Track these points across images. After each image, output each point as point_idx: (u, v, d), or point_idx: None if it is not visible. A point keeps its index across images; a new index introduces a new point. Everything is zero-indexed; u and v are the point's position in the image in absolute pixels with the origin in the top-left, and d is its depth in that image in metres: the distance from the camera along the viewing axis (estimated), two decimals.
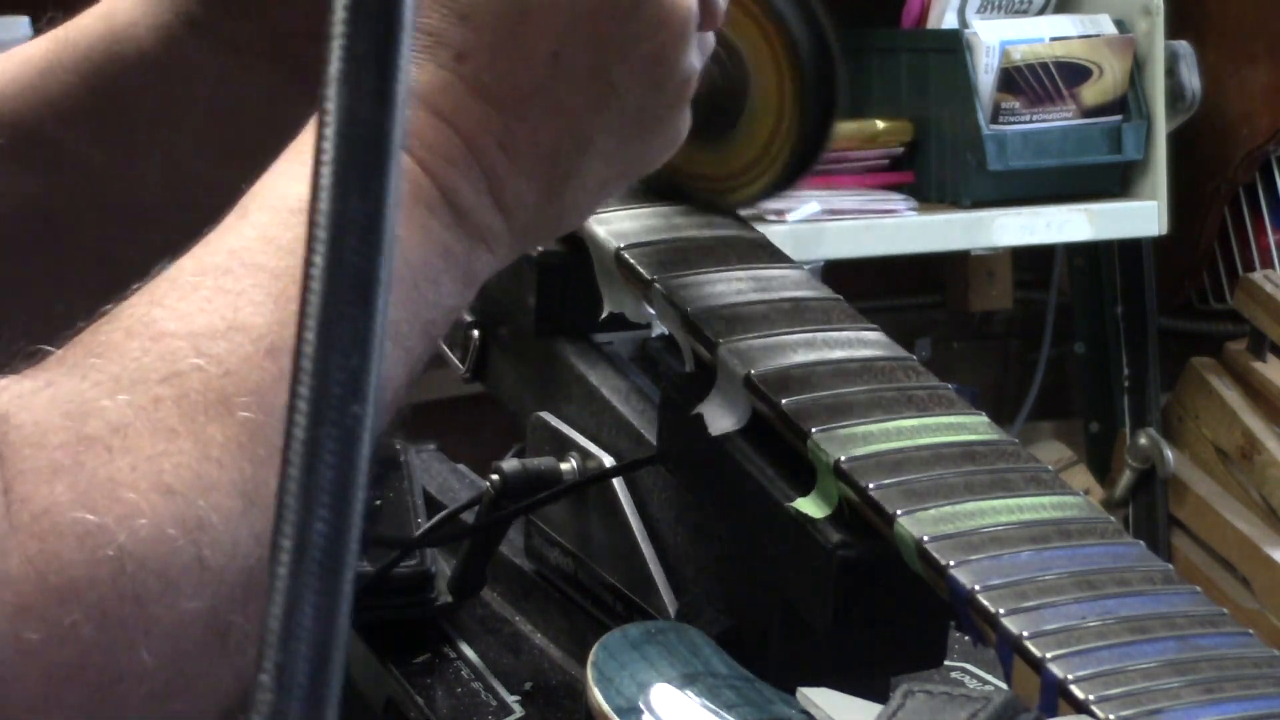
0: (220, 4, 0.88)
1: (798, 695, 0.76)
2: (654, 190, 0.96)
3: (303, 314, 0.47)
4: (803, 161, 0.92)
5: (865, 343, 0.86)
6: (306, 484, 0.47)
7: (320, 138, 0.47)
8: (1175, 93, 2.56)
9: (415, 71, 0.73)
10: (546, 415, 0.98)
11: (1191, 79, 2.57)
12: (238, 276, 0.68)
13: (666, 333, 0.92)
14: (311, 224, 0.47)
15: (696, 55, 0.79)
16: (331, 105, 0.47)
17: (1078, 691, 0.69)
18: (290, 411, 0.47)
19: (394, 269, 0.63)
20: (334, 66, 0.48)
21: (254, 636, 0.63)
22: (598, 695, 0.74)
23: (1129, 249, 2.74)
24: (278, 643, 0.47)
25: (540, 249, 0.96)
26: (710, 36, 0.81)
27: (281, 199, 0.70)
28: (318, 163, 0.47)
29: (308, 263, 0.47)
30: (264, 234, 0.69)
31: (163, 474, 0.63)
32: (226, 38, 0.88)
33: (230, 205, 0.72)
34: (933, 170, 2.52)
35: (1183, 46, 2.58)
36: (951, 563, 0.74)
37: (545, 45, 0.75)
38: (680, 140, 0.81)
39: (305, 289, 0.47)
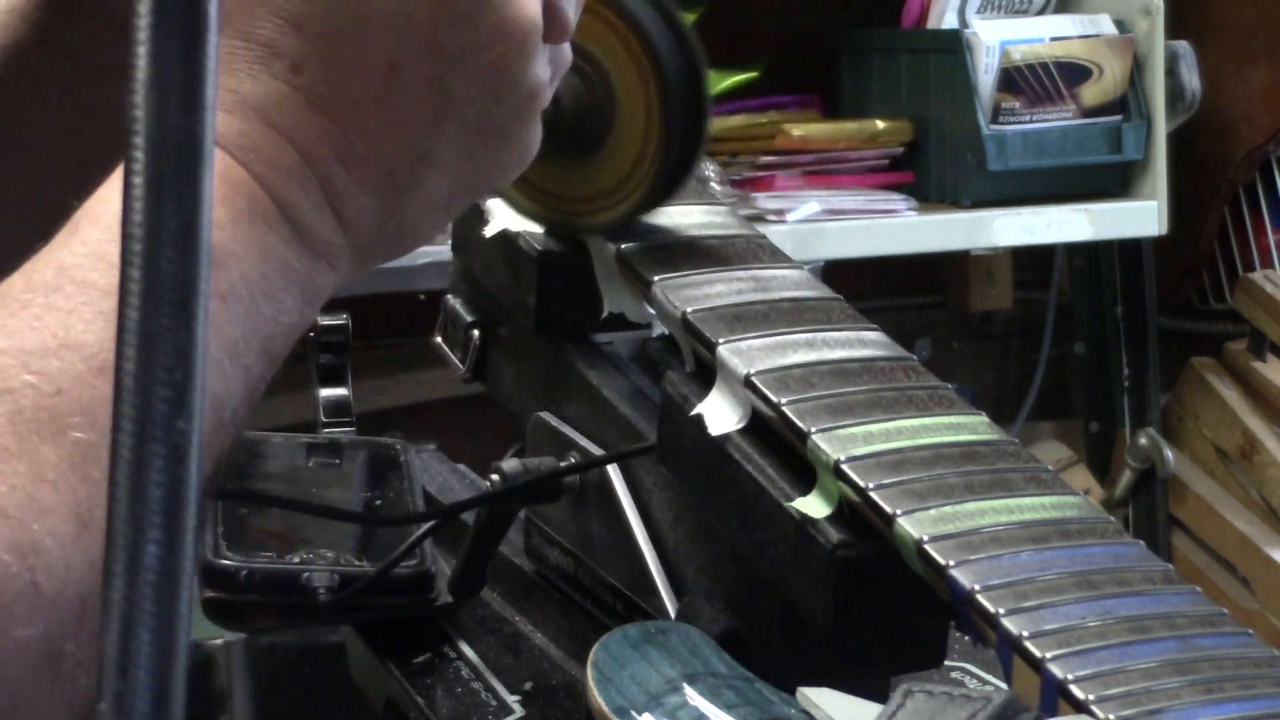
0: (71, 21, 0.87)
1: (798, 695, 0.76)
2: (517, 209, 0.95)
3: (122, 329, 0.46)
4: (669, 184, 0.91)
5: (865, 343, 0.86)
6: (135, 504, 0.45)
7: (130, 146, 0.46)
8: (1175, 93, 2.56)
9: (249, 83, 0.72)
10: (546, 415, 0.98)
11: (1191, 79, 2.57)
12: (68, 294, 0.66)
13: (666, 333, 0.92)
14: (125, 235, 0.46)
15: (544, 67, 0.77)
16: (139, 112, 0.46)
17: (1078, 691, 0.69)
18: (115, 431, 0.46)
19: (231, 286, 0.61)
20: (140, 72, 0.46)
21: (86, 664, 0.63)
22: (597, 695, 0.74)
23: (1129, 249, 2.75)
24: (115, 670, 0.45)
25: (539, 248, 0.96)
26: (566, 50, 0.80)
27: (113, 216, 0.68)
28: (129, 172, 0.46)
29: (124, 276, 0.46)
30: (94, 250, 0.68)
31: None
32: (78, 54, 0.87)
33: (58, 228, 0.70)
34: (933, 170, 2.52)
35: (1183, 46, 2.58)
36: (951, 563, 0.74)
37: (382, 55, 0.73)
38: (532, 154, 0.79)
39: (123, 303, 0.46)
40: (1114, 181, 2.56)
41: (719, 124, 2.50)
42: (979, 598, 0.73)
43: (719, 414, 0.85)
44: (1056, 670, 0.70)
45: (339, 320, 1.11)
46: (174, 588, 0.46)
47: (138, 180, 0.46)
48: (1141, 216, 2.54)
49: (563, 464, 0.95)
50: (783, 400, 0.82)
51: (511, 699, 0.95)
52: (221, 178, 0.69)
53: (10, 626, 0.60)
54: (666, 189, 0.92)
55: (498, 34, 0.74)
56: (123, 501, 0.46)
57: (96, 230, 0.68)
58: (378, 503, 1.06)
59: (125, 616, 0.46)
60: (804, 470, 0.81)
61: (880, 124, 2.53)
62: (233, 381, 0.69)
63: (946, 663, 0.89)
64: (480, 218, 0.99)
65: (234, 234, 0.70)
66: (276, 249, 0.72)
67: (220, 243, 0.68)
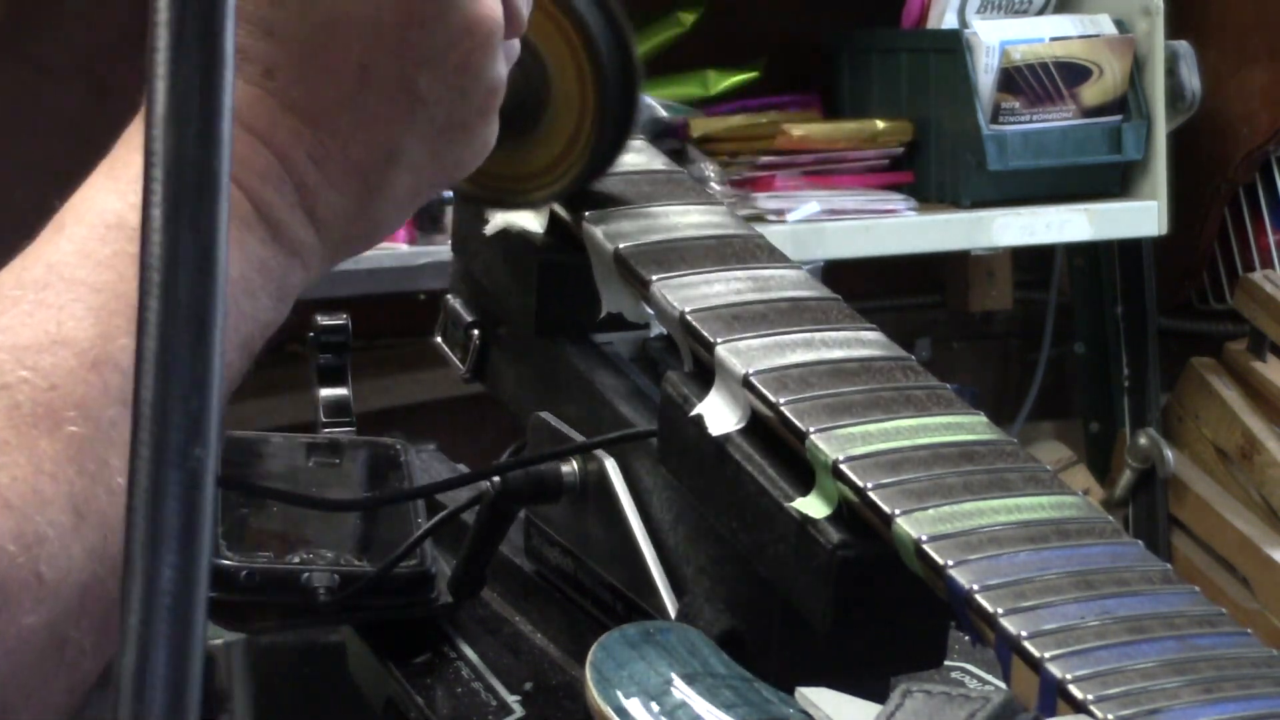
0: (25, 25, 0.87)
1: (797, 695, 0.76)
2: (452, 190, 0.96)
3: (140, 358, 0.47)
4: (601, 163, 0.93)
5: (864, 342, 0.86)
6: (152, 529, 0.47)
7: (149, 179, 0.47)
8: (1175, 93, 2.57)
9: None
10: (546, 415, 0.98)
11: (1191, 79, 2.57)
12: (58, 291, 0.68)
13: (666, 332, 0.92)
14: (144, 266, 0.47)
15: (503, 63, 0.79)
16: (159, 146, 0.48)
17: (1076, 691, 0.69)
18: (133, 457, 0.47)
19: None
20: (158, 106, 0.48)
21: (88, 650, 0.65)
22: (596, 695, 0.74)
23: (1129, 249, 2.75)
24: (132, 692, 0.46)
25: (539, 248, 0.96)
26: (516, 43, 0.81)
27: (98, 215, 0.70)
28: (147, 204, 0.47)
29: (142, 306, 0.47)
30: (81, 249, 0.69)
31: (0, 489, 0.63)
32: (33, 58, 0.87)
33: (40, 226, 0.72)
34: (932, 170, 2.52)
35: (1183, 46, 2.58)
36: (950, 563, 0.74)
37: (352, 58, 0.75)
38: (489, 148, 0.81)
39: (142, 333, 0.47)
40: (1114, 181, 2.56)
41: (719, 124, 2.50)
42: (978, 597, 0.73)
43: (718, 414, 0.85)
44: (1055, 670, 0.70)
45: (339, 320, 1.12)
46: (189, 612, 0.47)
47: (156, 212, 0.47)
48: (1141, 216, 2.55)
49: (565, 472, 0.95)
50: (781, 400, 0.82)
51: (511, 699, 0.95)
52: None
53: (17, 615, 0.62)
54: (600, 167, 0.93)
55: (464, 33, 0.76)
56: (140, 527, 0.47)
57: (82, 228, 0.70)
58: None
59: (141, 639, 0.47)
60: (804, 470, 0.81)
61: (880, 124, 2.53)
62: None
63: (946, 663, 0.89)
64: (480, 218, 0.99)
65: None
66: (254, 249, 0.74)
67: None
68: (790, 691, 0.76)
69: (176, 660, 0.47)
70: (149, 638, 0.47)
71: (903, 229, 2.46)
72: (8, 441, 0.64)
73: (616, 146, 0.93)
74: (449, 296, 1.05)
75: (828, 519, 0.79)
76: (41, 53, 0.87)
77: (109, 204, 0.71)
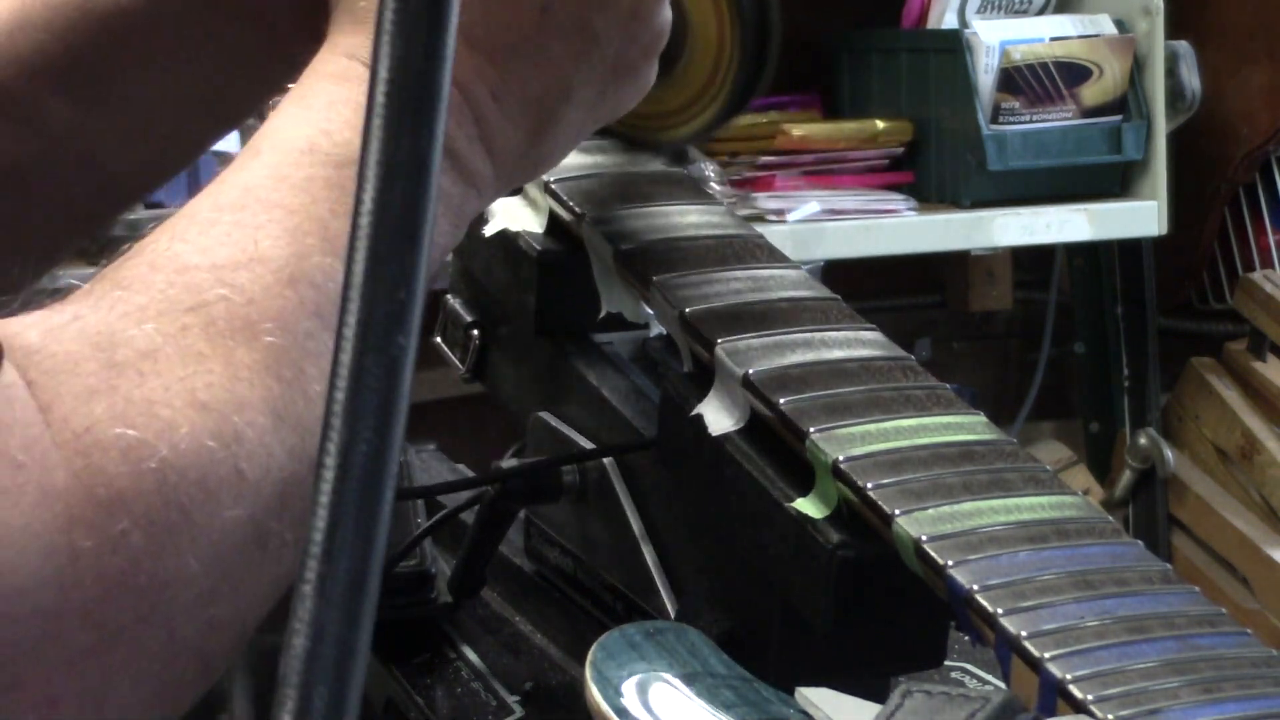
0: None
1: (797, 695, 0.76)
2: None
3: (352, 247, 0.50)
4: (740, 100, 0.95)
5: (863, 342, 0.86)
6: (351, 408, 0.50)
7: (374, 85, 0.51)
8: (1175, 93, 2.56)
9: None
10: (546, 415, 0.98)
11: (1191, 79, 2.57)
12: (254, 212, 0.72)
13: (666, 333, 0.92)
14: (363, 164, 0.51)
15: (669, 7, 0.84)
16: (385, 55, 0.51)
17: (1076, 691, 0.69)
18: (338, 339, 0.50)
19: None
20: (388, 19, 0.51)
21: (291, 544, 0.68)
22: (596, 695, 0.74)
23: (1129, 249, 2.75)
24: (320, 556, 0.49)
25: (539, 248, 0.96)
26: None
27: (290, 140, 0.74)
28: (370, 111, 0.51)
29: (358, 201, 0.51)
30: (276, 173, 0.73)
31: (195, 392, 0.66)
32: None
33: (195, 154, 0.78)
34: (933, 170, 2.52)
35: (1183, 46, 2.58)
36: (950, 563, 0.74)
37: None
38: (649, 88, 0.85)
39: (356, 225, 0.50)
40: (1114, 181, 2.56)
41: None
42: (977, 597, 0.73)
43: (718, 414, 0.85)
44: (1055, 670, 0.70)
45: None
46: (379, 487, 0.50)
47: (377, 120, 0.51)
48: (1141, 216, 2.54)
49: (564, 472, 0.95)
50: (781, 400, 0.82)
51: (511, 699, 0.95)
52: None
53: (219, 508, 0.65)
54: (737, 106, 0.95)
55: None
56: (340, 403, 0.50)
57: (276, 154, 0.74)
58: None
59: (333, 508, 0.49)
60: (803, 470, 0.81)
61: (880, 124, 2.53)
62: None
63: (946, 663, 0.89)
64: (480, 219, 0.99)
65: None
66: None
67: None
68: (790, 691, 0.76)
69: (363, 531, 0.49)
70: (340, 508, 0.49)
71: (903, 229, 2.45)
72: (203, 353, 0.67)
73: (751, 88, 0.94)
74: (448, 296, 1.05)
75: (827, 519, 0.79)
76: None
77: (301, 131, 0.75)
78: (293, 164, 0.73)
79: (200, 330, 0.67)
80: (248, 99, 0.93)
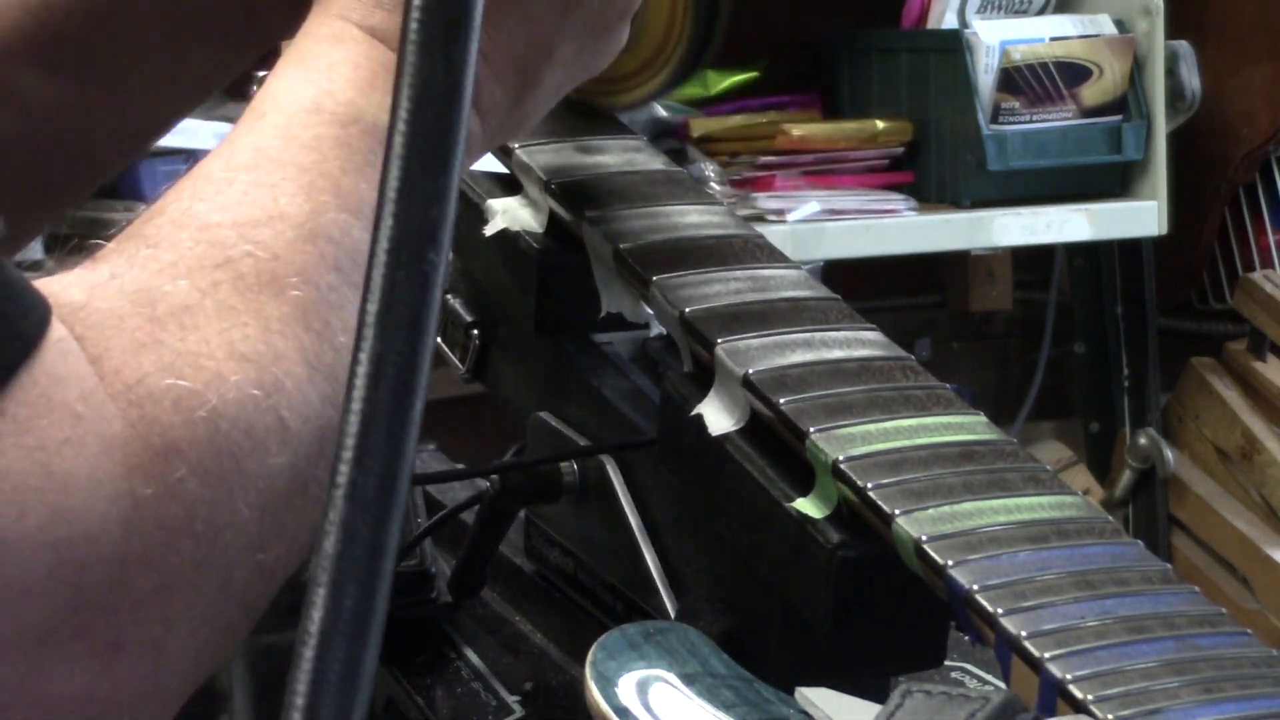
0: None
1: (797, 695, 0.76)
2: None
3: (386, 168, 0.52)
4: (692, 64, 0.97)
5: (863, 342, 0.86)
6: (384, 320, 0.51)
7: (408, 16, 0.53)
8: (1175, 93, 2.56)
9: None
10: (546, 415, 0.98)
11: (1191, 79, 2.57)
12: (268, 171, 0.73)
13: (666, 332, 0.92)
14: (396, 90, 0.53)
15: None
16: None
17: (1076, 691, 0.69)
18: (370, 256, 0.51)
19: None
20: None
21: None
22: (596, 695, 0.74)
23: (1129, 249, 2.75)
24: (352, 459, 0.51)
25: (538, 248, 0.96)
26: None
27: (295, 102, 0.76)
28: (404, 33, 0.53)
29: (393, 119, 0.52)
30: (284, 133, 0.74)
31: (235, 345, 0.67)
32: None
33: (169, 126, 0.80)
34: (933, 170, 2.52)
35: (1183, 46, 2.58)
36: (950, 562, 0.74)
37: None
38: (619, 50, 0.87)
39: (390, 148, 0.52)
40: (1114, 181, 2.56)
41: (719, 124, 2.50)
42: (977, 597, 0.73)
43: (718, 414, 0.85)
44: (1055, 670, 0.70)
45: None
46: (410, 394, 0.51)
47: (411, 44, 0.53)
48: (1141, 216, 2.54)
49: (564, 472, 0.95)
50: (781, 400, 0.82)
51: (511, 699, 0.95)
52: (382, 66, 0.76)
53: (266, 456, 0.67)
54: (686, 73, 0.97)
55: None
56: (373, 314, 0.51)
57: (282, 115, 0.75)
58: None
59: (365, 415, 0.51)
60: (803, 470, 0.81)
61: (880, 124, 2.53)
62: None
63: (946, 663, 0.89)
64: (480, 218, 0.99)
65: None
66: None
67: (381, 126, 0.74)
68: (790, 691, 0.76)
69: (395, 435, 0.51)
70: (372, 415, 0.51)
71: (903, 229, 2.45)
72: (235, 308, 0.68)
73: (700, 57, 0.96)
74: (448, 296, 1.05)
75: (827, 519, 0.79)
76: None
77: (305, 91, 0.76)
78: (300, 124, 0.75)
79: (230, 285, 0.69)
80: (222, 71, 0.94)
